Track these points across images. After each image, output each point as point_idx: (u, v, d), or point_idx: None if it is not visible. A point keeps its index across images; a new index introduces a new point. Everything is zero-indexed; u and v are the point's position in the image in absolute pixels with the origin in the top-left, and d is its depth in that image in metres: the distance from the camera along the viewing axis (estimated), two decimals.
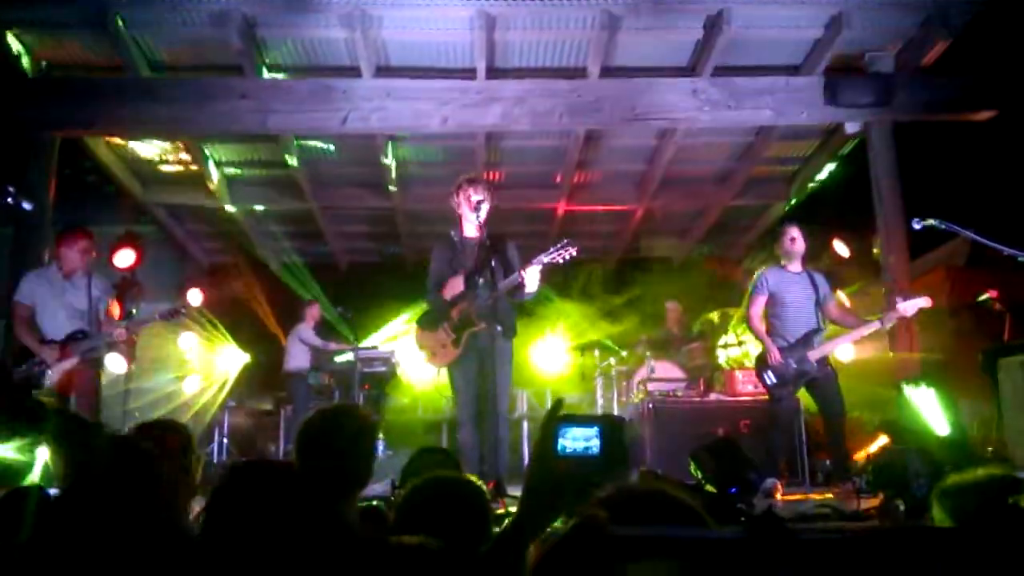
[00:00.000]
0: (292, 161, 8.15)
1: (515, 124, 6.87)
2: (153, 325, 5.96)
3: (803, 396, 6.09)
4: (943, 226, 5.11)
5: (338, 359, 9.19)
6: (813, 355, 5.58)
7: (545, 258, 4.84)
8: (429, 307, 5.26)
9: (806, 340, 5.62)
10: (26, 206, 5.88)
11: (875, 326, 5.60)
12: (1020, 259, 4.88)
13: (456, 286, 5.03)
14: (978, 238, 5.10)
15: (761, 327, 5.76)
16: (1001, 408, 5.08)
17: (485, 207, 4.97)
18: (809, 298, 5.74)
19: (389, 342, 9.92)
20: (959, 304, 6.58)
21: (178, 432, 2.85)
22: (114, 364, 6.37)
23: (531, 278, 4.81)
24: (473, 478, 2.37)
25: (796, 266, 5.82)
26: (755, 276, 5.93)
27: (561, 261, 4.88)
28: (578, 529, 1.18)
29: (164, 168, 8.75)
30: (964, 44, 6.56)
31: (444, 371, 5.24)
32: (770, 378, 5.63)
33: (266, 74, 6.89)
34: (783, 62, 6.97)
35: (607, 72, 6.89)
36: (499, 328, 4.90)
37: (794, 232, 5.83)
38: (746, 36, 6.50)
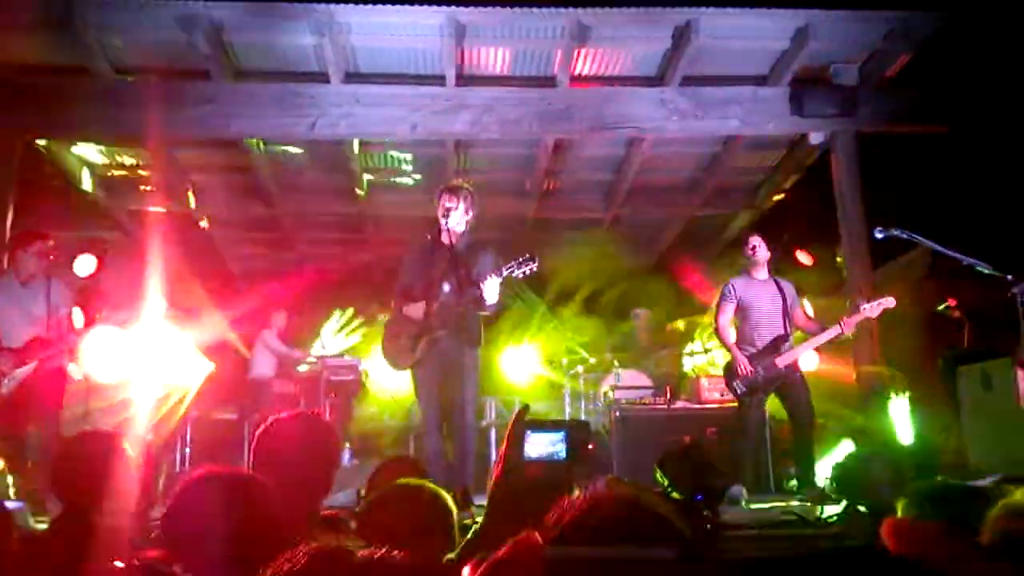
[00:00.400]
0: (260, 167, 8.06)
1: (484, 132, 6.86)
2: (115, 332, 5.87)
3: (771, 403, 6.14)
4: (905, 235, 5.20)
5: (303, 367, 9.10)
6: (780, 361, 5.63)
7: (505, 271, 4.78)
8: (392, 313, 5.22)
9: (774, 346, 5.68)
10: None
11: (836, 330, 5.66)
12: (979, 269, 4.98)
13: (417, 311, 4.95)
14: (939, 248, 5.20)
15: (729, 336, 5.80)
16: (960, 415, 5.17)
17: (455, 215, 4.95)
18: (776, 305, 5.80)
19: (347, 336, 9.86)
20: (920, 313, 6.68)
21: (124, 443, 2.81)
22: (73, 371, 6.26)
23: (489, 290, 4.74)
24: (437, 488, 2.35)
25: (762, 274, 5.89)
26: (723, 285, 5.98)
27: (522, 276, 4.83)
28: (513, 551, 1.16)
29: (129, 173, 8.62)
30: (926, 58, 6.68)
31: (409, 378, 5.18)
32: (739, 387, 5.67)
33: (234, 79, 6.80)
34: (751, 72, 7.02)
35: (577, 81, 6.91)
36: (461, 336, 4.87)
37: (755, 241, 5.91)
38: (714, 46, 6.53)
